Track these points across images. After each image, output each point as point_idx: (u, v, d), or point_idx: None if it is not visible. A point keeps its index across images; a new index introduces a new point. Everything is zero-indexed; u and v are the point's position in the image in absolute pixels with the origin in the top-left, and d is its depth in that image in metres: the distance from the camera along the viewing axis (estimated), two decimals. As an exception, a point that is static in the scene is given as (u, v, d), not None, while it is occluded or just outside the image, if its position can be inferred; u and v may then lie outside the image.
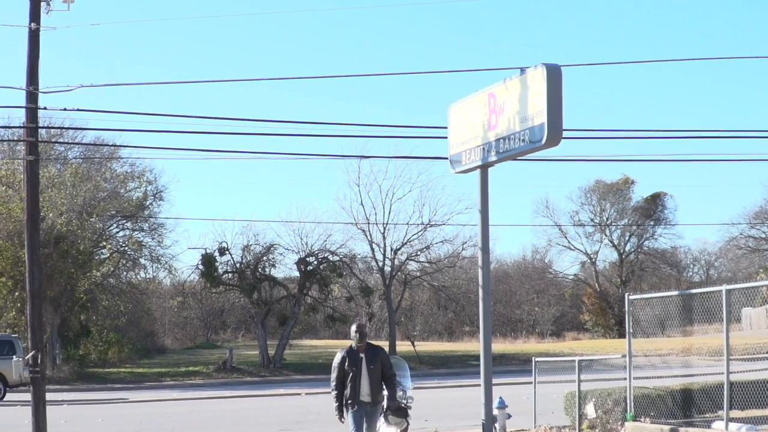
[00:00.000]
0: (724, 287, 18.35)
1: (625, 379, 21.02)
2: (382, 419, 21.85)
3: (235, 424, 28.42)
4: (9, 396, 40.20)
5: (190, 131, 25.80)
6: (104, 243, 57.30)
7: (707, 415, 20.35)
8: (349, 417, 16.30)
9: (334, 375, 16.47)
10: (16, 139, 45.59)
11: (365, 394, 16.25)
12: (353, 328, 16.44)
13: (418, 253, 68.12)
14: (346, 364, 16.28)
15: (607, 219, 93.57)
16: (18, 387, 40.30)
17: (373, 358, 16.33)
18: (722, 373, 18.25)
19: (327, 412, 30.11)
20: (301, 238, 61.30)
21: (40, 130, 24.83)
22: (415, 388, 22.91)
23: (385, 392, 16.82)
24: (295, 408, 33.81)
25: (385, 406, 16.92)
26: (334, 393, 16.44)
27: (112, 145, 53.45)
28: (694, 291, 22.18)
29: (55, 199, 49.23)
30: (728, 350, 18.12)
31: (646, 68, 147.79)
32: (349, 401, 16.22)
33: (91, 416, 32.13)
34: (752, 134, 28.77)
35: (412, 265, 69.98)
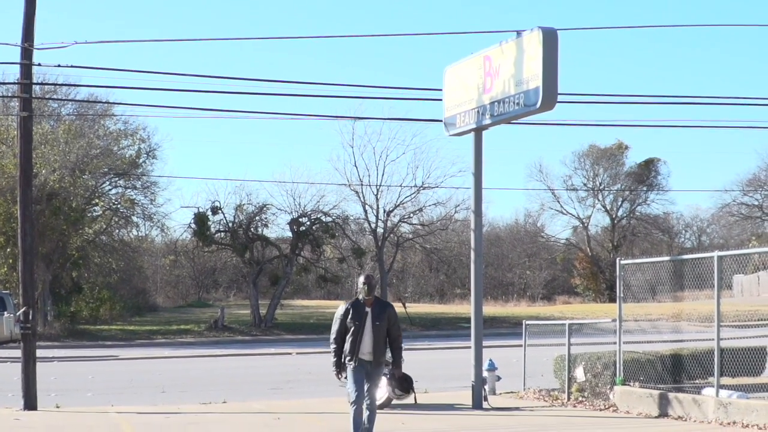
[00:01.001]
0: (715, 254, 18.37)
1: (614, 343, 21.07)
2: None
3: (226, 382, 28.49)
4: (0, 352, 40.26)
5: (184, 89, 25.72)
6: (97, 200, 57.17)
7: (697, 381, 20.40)
8: (348, 373, 14.75)
9: (334, 327, 14.92)
10: (10, 95, 45.48)
11: (366, 353, 14.66)
12: (361, 279, 14.85)
13: (411, 215, 68.14)
14: (350, 317, 14.69)
15: (600, 184, 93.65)
16: (8, 343, 40.32)
17: (380, 314, 14.72)
18: (713, 340, 18.29)
19: (318, 372, 30.28)
20: (294, 199, 61.28)
21: (34, 86, 24.75)
22: (406, 350, 22.97)
23: (390, 357, 15.41)
24: (286, 367, 33.90)
25: (388, 374, 15.62)
26: (332, 347, 14.91)
27: (105, 102, 53.14)
28: (685, 257, 22.19)
29: (48, 156, 49.08)
30: (719, 317, 18.15)
31: (642, 33, 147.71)
32: (348, 357, 14.69)
33: (81, 373, 32.19)
34: (747, 101, 28.78)
35: (405, 227, 70.03)
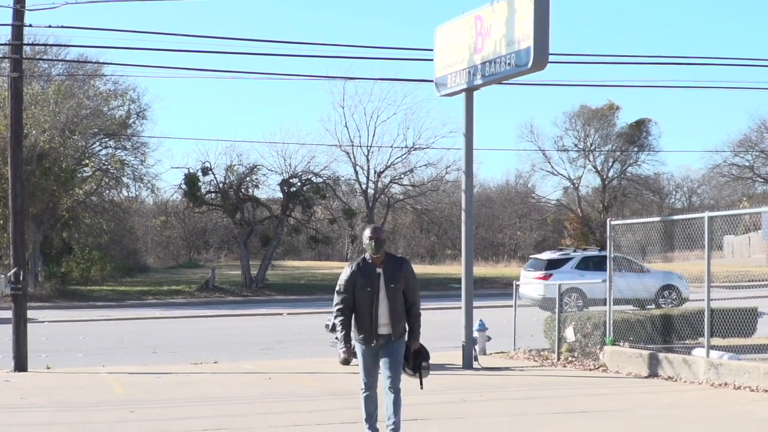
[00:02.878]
0: (706, 214, 18.37)
1: (605, 303, 21.12)
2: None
3: (217, 342, 28.54)
4: (-9, 312, 40.25)
5: (174, 49, 25.71)
6: (87, 161, 57.08)
7: (687, 341, 20.47)
8: (359, 354, 12.04)
9: (338, 299, 11.94)
10: (0, 56, 45.26)
11: (383, 324, 11.87)
12: (366, 232, 12.00)
13: (402, 176, 68.22)
14: (357, 282, 11.85)
15: (591, 144, 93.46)
16: None
17: (395, 273, 11.90)
18: (703, 300, 18.33)
19: (308, 332, 30.34)
20: (285, 159, 61.28)
21: (24, 47, 24.67)
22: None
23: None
24: (277, 328, 33.94)
25: (412, 350, 12.19)
26: (338, 322, 11.94)
27: (95, 62, 52.94)
28: (676, 217, 22.22)
29: (38, 117, 48.92)
30: (709, 277, 18.18)
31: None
32: (361, 336, 11.92)
33: (72, 333, 32.21)
34: (739, 62, 28.76)
35: (396, 188, 70.14)
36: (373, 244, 11.85)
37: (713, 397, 16.23)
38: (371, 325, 11.83)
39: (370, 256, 11.95)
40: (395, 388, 11.85)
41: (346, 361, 13.00)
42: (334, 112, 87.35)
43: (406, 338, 12.16)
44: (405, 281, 11.97)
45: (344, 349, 11.98)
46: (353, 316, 11.96)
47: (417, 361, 12.23)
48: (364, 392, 12.08)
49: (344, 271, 12.05)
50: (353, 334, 11.98)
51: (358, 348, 12.00)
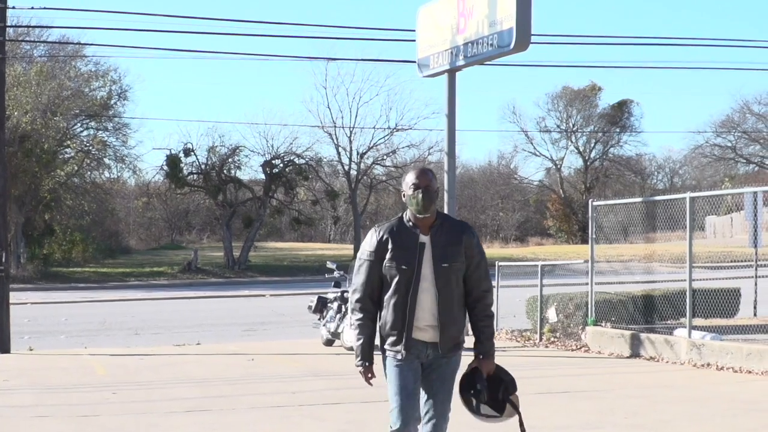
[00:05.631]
0: (687, 195, 18.42)
1: (587, 284, 21.17)
2: (349, 323, 21.77)
3: (199, 324, 28.52)
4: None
5: (156, 30, 25.64)
6: (68, 142, 57.04)
7: (669, 321, 20.55)
8: (389, 370, 7.54)
9: (358, 280, 7.55)
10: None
11: (425, 326, 7.45)
12: (410, 177, 7.51)
13: (385, 157, 68.23)
14: (389, 255, 7.40)
15: (573, 125, 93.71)
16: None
17: (451, 245, 7.43)
18: (685, 281, 18.39)
19: (291, 314, 30.35)
20: (267, 141, 61.29)
21: (7, 29, 24.61)
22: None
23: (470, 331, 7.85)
24: (260, 309, 33.95)
25: (481, 369, 7.72)
26: (355, 321, 7.59)
27: (76, 44, 52.78)
28: (657, 198, 22.29)
29: (20, 98, 48.77)
30: (691, 257, 18.24)
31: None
32: (391, 339, 7.48)
33: (54, 315, 32.16)
34: (721, 42, 28.81)
35: (378, 170, 70.13)
36: (420, 196, 7.38)
37: (696, 378, 16.28)
38: (405, 324, 7.42)
39: (411, 216, 7.51)
40: (439, 427, 7.56)
41: (367, 379, 7.66)
42: (317, 93, 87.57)
43: (462, 351, 7.79)
44: (468, 260, 7.49)
45: (360, 366, 7.58)
46: (380, 310, 7.59)
47: (495, 392, 7.72)
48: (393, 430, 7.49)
49: (367, 237, 7.62)
50: (380, 337, 7.61)
51: (389, 359, 7.55)
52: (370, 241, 7.54)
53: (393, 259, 7.38)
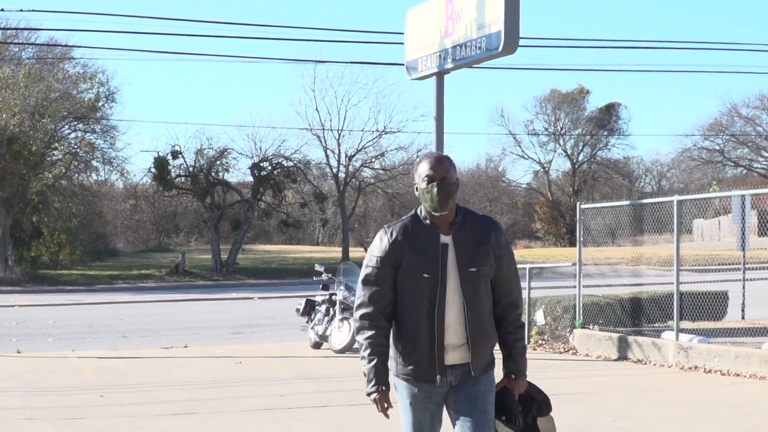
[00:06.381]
0: (675, 198, 18.47)
1: (574, 287, 21.19)
2: (337, 326, 21.74)
3: (187, 327, 28.48)
4: (-40, 297, 40.06)
5: (144, 32, 25.66)
6: (56, 144, 56.99)
7: (656, 324, 20.58)
8: (401, 402, 6.39)
9: (366, 294, 6.27)
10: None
11: (455, 345, 6.24)
12: (424, 167, 6.30)
13: (373, 159, 68.15)
14: (405, 260, 6.18)
15: (561, 128, 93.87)
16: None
17: (478, 246, 6.27)
18: (672, 283, 18.43)
19: (279, 317, 30.31)
20: (255, 143, 61.20)
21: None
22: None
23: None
24: (248, 312, 33.90)
25: (512, 390, 6.44)
26: (364, 340, 6.27)
27: (65, 46, 52.81)
28: (645, 201, 22.32)
29: (9, 100, 48.72)
30: (678, 260, 18.29)
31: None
32: (410, 366, 6.25)
33: (42, 318, 32.07)
34: (710, 46, 28.87)
35: (367, 172, 70.03)
36: (435, 190, 6.14)
37: (683, 381, 16.32)
38: (431, 346, 6.14)
39: (427, 213, 6.28)
40: None
41: (384, 410, 6.27)
42: (305, 96, 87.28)
43: (506, 371, 6.49)
44: (497, 262, 6.30)
45: (374, 394, 6.20)
46: (394, 327, 6.31)
47: (529, 413, 6.52)
48: None
49: (376, 240, 6.33)
50: (393, 363, 6.31)
51: (403, 390, 6.31)
52: (379, 244, 6.27)
53: (410, 266, 6.14)
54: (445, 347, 6.16)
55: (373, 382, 6.17)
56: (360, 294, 6.30)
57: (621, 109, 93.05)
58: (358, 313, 6.29)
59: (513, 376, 6.45)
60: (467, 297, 6.14)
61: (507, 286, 6.39)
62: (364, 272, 6.30)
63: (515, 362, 6.44)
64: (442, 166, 6.23)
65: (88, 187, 63.91)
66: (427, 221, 6.24)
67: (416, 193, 6.32)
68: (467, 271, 6.14)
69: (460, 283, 6.13)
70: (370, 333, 6.19)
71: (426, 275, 6.08)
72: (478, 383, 6.27)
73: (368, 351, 6.19)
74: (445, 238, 6.19)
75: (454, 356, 6.20)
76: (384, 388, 6.18)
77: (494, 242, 6.30)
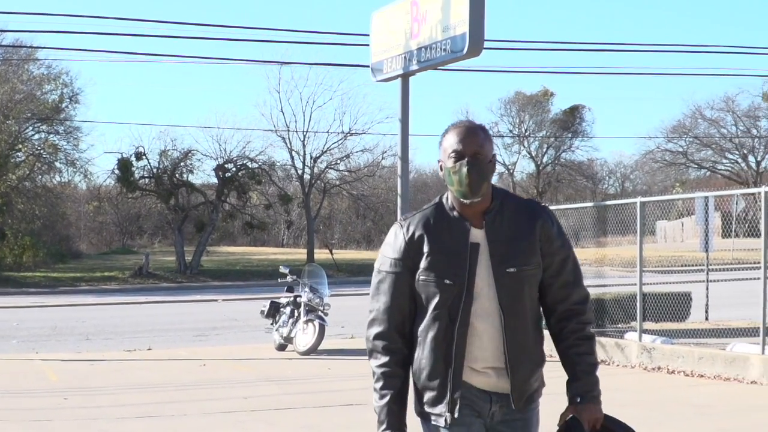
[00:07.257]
0: (638, 199, 18.57)
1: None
2: (302, 328, 21.68)
3: (151, 329, 28.37)
4: None
5: (108, 32, 25.47)
6: (20, 146, 56.70)
7: (620, 325, 20.66)
8: None
9: (378, 306, 4.85)
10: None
11: (488, 367, 4.80)
12: (450, 140, 4.84)
13: (338, 161, 68.08)
14: (425, 261, 4.73)
15: (526, 130, 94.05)
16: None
17: (518, 240, 4.78)
18: (635, 285, 18.52)
19: (244, 319, 30.25)
20: (220, 144, 61.10)
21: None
22: (332, 296, 23.01)
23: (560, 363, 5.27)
24: (212, 314, 33.82)
25: (581, 419, 5.14)
26: (376, 368, 4.82)
27: (29, 47, 52.60)
28: (608, 203, 22.44)
29: (-26, 103, 48.51)
30: (641, 261, 18.38)
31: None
32: (430, 396, 4.79)
33: (5, 320, 31.88)
34: (673, 48, 29.01)
35: (332, 174, 69.94)
36: (464, 170, 4.78)
37: (647, 381, 16.38)
38: (445, 373, 4.77)
39: (455, 201, 4.93)
40: None
41: None
42: (270, 97, 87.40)
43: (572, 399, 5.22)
44: (547, 259, 4.93)
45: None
46: (413, 350, 4.90)
47: None
48: None
49: (389, 237, 5.01)
50: (423, 390, 4.87)
51: (427, 423, 4.89)
52: (393, 243, 4.91)
53: (431, 270, 4.74)
54: (472, 370, 4.77)
55: (384, 426, 4.78)
56: (372, 307, 4.93)
57: (585, 112, 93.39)
58: (369, 332, 4.92)
59: (579, 400, 5.10)
60: (504, 306, 4.76)
61: (562, 290, 5.04)
62: (375, 279, 4.97)
63: (581, 381, 5.11)
64: (475, 138, 4.84)
65: (52, 188, 63.61)
66: (455, 212, 4.86)
67: (440, 174, 4.96)
68: (505, 272, 4.74)
69: (496, 288, 4.74)
70: (383, 360, 4.83)
71: (447, 281, 4.70)
72: (527, 424, 5.15)
73: (380, 383, 4.82)
74: (477, 234, 4.79)
75: (487, 382, 4.82)
76: (400, 428, 4.81)
77: (541, 234, 4.87)
